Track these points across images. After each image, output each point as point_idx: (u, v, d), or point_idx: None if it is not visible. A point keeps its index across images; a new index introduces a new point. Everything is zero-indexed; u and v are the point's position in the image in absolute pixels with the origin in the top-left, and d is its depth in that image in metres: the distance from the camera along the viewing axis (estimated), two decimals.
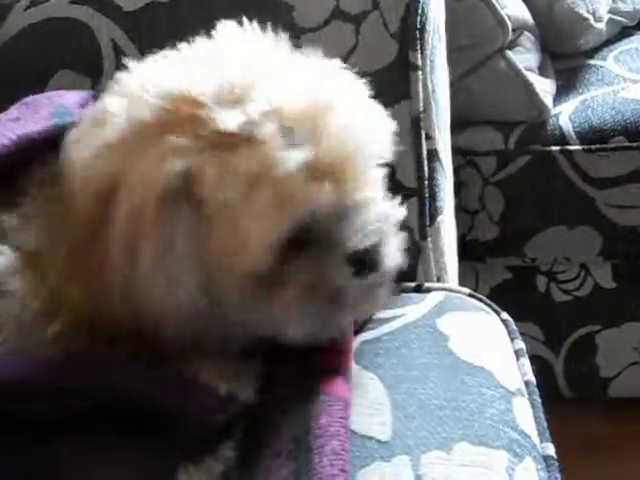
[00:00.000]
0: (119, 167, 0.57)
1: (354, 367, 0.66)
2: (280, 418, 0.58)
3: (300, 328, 0.60)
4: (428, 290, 0.79)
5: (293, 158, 0.55)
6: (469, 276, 1.30)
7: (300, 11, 0.78)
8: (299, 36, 0.77)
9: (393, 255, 0.62)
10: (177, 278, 0.56)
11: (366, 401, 0.62)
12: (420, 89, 0.78)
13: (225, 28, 0.63)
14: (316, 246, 0.58)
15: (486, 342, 0.71)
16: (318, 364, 0.63)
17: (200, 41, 0.63)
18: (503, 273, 1.32)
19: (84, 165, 0.58)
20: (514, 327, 0.75)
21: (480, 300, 0.79)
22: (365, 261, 0.59)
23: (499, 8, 1.17)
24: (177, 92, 0.57)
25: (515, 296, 1.31)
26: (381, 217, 0.61)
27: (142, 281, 0.56)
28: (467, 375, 0.65)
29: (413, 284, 0.80)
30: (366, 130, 0.60)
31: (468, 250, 1.20)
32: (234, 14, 0.77)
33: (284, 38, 0.63)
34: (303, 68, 0.61)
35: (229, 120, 0.55)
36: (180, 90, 0.57)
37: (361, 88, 0.64)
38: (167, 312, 0.57)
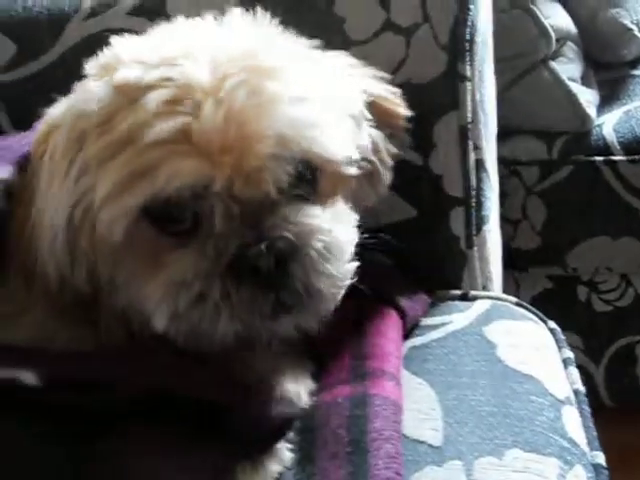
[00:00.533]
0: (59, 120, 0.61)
1: (404, 372, 0.67)
2: (335, 420, 0.59)
3: (165, 322, 0.56)
4: (474, 298, 0.80)
5: (162, 126, 0.53)
6: (510, 285, 1.31)
7: (351, 23, 0.79)
8: (350, 47, 0.79)
9: (314, 277, 0.56)
10: (56, 215, 0.58)
11: (417, 406, 0.63)
12: (469, 100, 0.79)
13: (231, 14, 0.65)
14: (202, 241, 0.55)
15: (534, 350, 0.71)
16: (371, 367, 0.64)
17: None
18: (544, 282, 1.33)
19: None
20: (561, 336, 0.76)
21: (527, 309, 0.79)
22: (246, 270, 0.54)
23: (543, 19, 1.17)
24: (113, 52, 0.62)
25: (556, 305, 1.31)
26: (300, 230, 0.56)
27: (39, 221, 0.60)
28: (516, 383, 0.65)
29: (459, 292, 0.82)
30: (293, 122, 0.55)
31: (510, 259, 1.21)
32: (289, 26, 0.80)
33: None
34: (264, 57, 0.58)
35: (122, 75, 0.57)
36: (116, 51, 0.61)
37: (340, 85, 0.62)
38: (45, 251, 0.59)
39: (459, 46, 0.77)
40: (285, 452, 0.58)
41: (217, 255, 0.54)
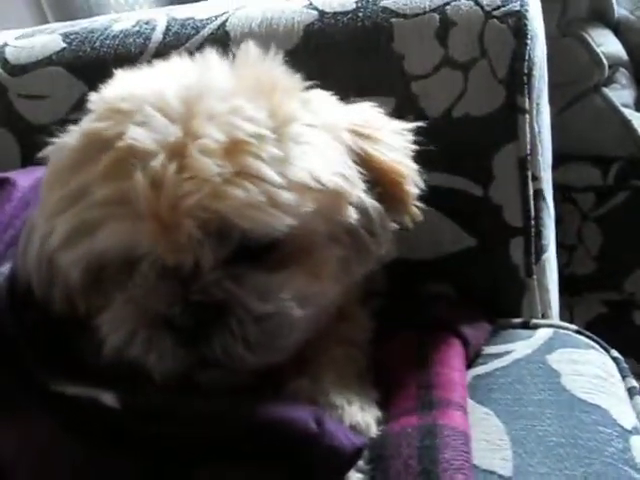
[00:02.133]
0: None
1: (469, 402, 0.68)
2: (406, 451, 0.60)
3: (110, 353, 0.61)
4: (536, 326, 0.81)
5: (100, 189, 0.57)
6: (564, 310, 1.30)
7: (410, 60, 0.81)
8: (409, 82, 0.81)
9: (232, 344, 0.58)
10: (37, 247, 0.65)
11: (485, 436, 0.64)
12: (527, 132, 0.80)
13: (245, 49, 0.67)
14: (132, 292, 0.60)
15: (599, 380, 0.71)
16: (437, 396, 0.66)
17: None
18: (599, 307, 1.32)
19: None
20: (624, 365, 0.76)
21: (589, 337, 0.80)
22: (166, 326, 0.58)
23: (595, 46, 1.18)
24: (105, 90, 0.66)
25: (611, 330, 1.30)
26: (225, 296, 0.58)
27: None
28: (583, 413, 0.66)
29: (520, 320, 0.83)
30: (226, 202, 0.56)
31: (565, 285, 1.21)
32: (350, 63, 0.82)
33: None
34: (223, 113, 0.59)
35: (88, 126, 0.62)
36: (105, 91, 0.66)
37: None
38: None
39: (517, 80, 0.79)
40: None
41: (141, 309, 0.59)
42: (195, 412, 0.60)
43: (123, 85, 0.66)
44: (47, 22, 1.67)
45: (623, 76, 1.27)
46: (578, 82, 1.20)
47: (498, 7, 0.80)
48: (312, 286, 0.62)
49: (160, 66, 0.70)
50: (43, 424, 0.59)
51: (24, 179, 0.80)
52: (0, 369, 0.63)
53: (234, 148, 0.58)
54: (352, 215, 0.63)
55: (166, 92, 0.61)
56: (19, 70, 0.97)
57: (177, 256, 0.58)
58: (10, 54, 0.99)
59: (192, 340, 0.59)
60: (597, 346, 0.78)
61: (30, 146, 0.95)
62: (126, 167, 0.57)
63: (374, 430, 0.63)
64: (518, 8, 0.80)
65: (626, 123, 1.21)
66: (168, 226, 0.57)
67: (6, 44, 1.01)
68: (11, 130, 0.97)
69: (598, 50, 1.18)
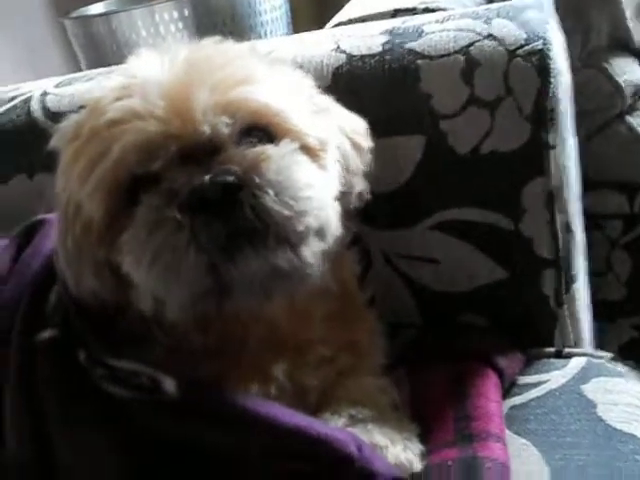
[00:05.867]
0: None
1: (507, 433, 0.69)
2: None
3: (147, 270, 0.58)
4: (569, 355, 0.82)
5: (113, 108, 0.60)
6: (595, 335, 1.31)
7: (438, 99, 0.84)
8: (438, 121, 0.84)
9: (264, 202, 0.57)
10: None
11: (525, 467, 0.65)
12: (553, 166, 0.82)
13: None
14: (157, 189, 0.59)
15: (634, 408, 0.72)
16: (476, 429, 0.67)
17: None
18: (630, 332, 1.32)
19: None
20: None
21: (623, 364, 0.81)
22: (196, 203, 0.57)
23: (615, 76, 1.20)
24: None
25: None
26: (248, 162, 0.58)
27: None
28: (619, 442, 0.67)
29: (553, 349, 0.84)
30: (227, 80, 0.61)
31: (597, 310, 1.22)
32: (379, 103, 0.85)
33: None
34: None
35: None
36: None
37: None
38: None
39: (542, 116, 0.81)
40: None
41: (169, 195, 0.58)
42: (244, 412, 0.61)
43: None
44: (79, 67, 1.73)
45: None
46: (601, 111, 1.22)
47: (521, 46, 0.82)
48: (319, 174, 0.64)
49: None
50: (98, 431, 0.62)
51: None
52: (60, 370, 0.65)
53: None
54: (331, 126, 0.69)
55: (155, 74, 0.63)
56: (61, 117, 1.01)
57: (193, 131, 0.59)
58: (51, 102, 1.03)
59: (223, 211, 0.57)
60: (631, 374, 0.79)
61: None
62: (130, 91, 0.61)
63: (417, 466, 0.64)
64: (541, 47, 0.82)
65: None
66: (178, 111, 0.59)
67: (46, 92, 1.05)
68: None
69: (619, 79, 1.19)
